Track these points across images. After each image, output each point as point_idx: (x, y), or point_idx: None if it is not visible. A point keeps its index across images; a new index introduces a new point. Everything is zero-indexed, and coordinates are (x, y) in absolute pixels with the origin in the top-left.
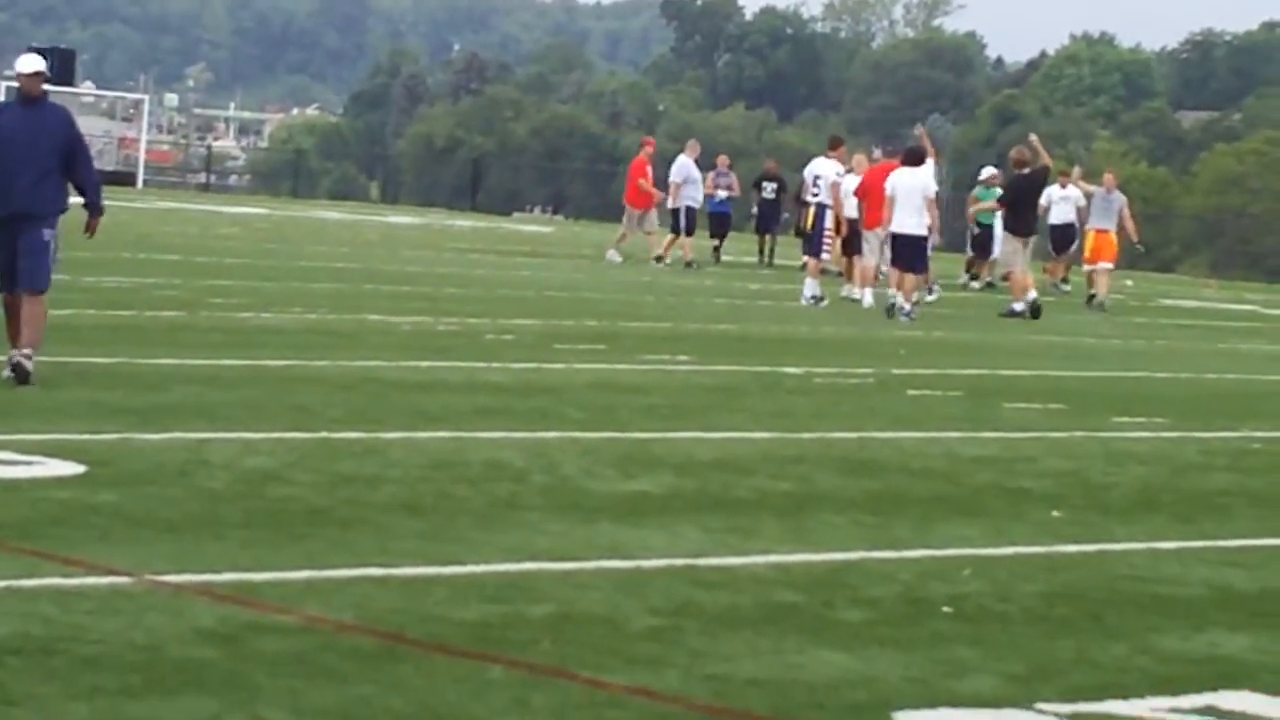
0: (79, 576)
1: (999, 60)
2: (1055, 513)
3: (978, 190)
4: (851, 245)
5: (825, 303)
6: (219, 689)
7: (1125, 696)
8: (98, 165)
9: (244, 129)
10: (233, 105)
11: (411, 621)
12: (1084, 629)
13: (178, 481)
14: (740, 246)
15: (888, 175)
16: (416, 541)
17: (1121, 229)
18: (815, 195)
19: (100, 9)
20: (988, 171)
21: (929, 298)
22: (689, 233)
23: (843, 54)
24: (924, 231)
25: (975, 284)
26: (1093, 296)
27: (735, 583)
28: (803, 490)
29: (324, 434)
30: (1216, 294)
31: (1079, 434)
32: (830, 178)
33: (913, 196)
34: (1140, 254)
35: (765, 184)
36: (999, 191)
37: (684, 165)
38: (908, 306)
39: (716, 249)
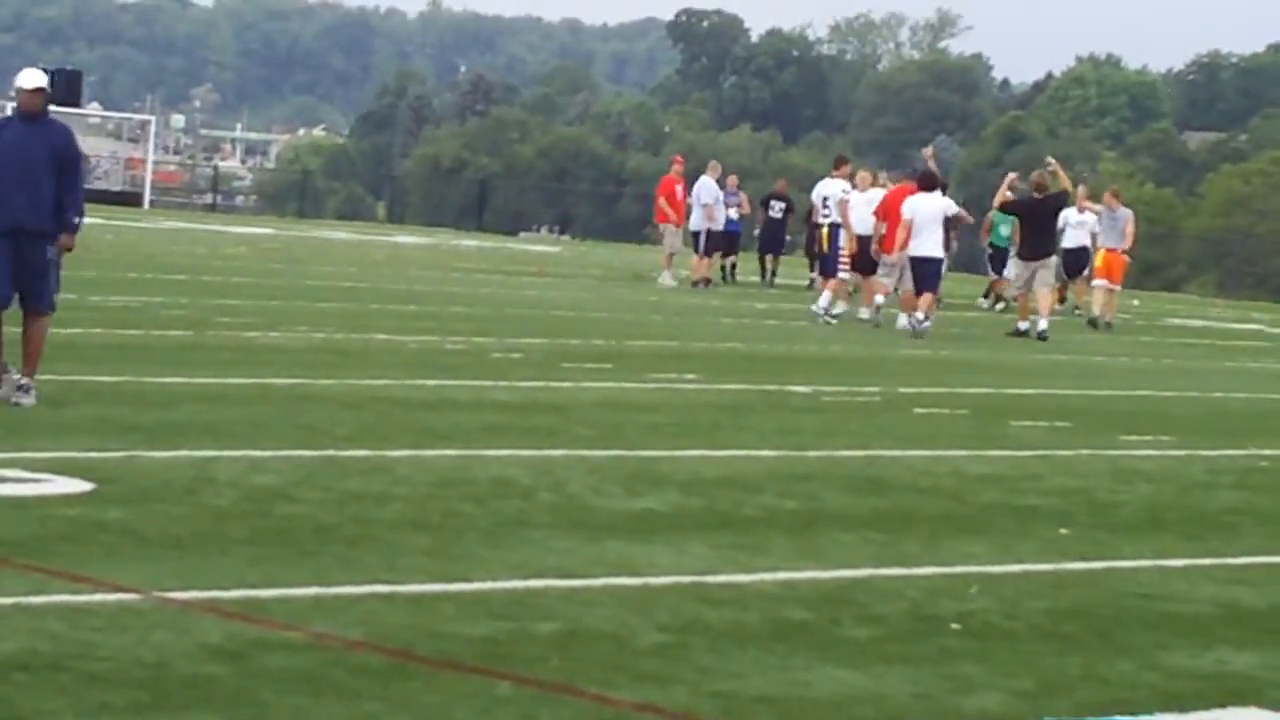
0: (87, 593)
1: (1005, 82)
2: (1063, 530)
3: (994, 214)
4: (861, 263)
5: (835, 321)
6: (226, 706)
7: (1133, 713)
8: (104, 186)
9: (250, 150)
10: (239, 126)
11: (420, 638)
12: (1092, 646)
13: (185, 499)
14: (749, 266)
15: (904, 198)
16: (424, 559)
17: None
18: (827, 216)
19: (107, 30)
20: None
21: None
22: (707, 254)
23: (849, 76)
24: (941, 254)
25: (998, 305)
26: (1096, 319)
27: (743, 600)
28: (810, 508)
29: (331, 452)
30: (1223, 313)
31: (1086, 452)
32: (837, 195)
33: (930, 220)
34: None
35: (774, 203)
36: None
37: (709, 187)
38: (920, 316)
39: (733, 267)
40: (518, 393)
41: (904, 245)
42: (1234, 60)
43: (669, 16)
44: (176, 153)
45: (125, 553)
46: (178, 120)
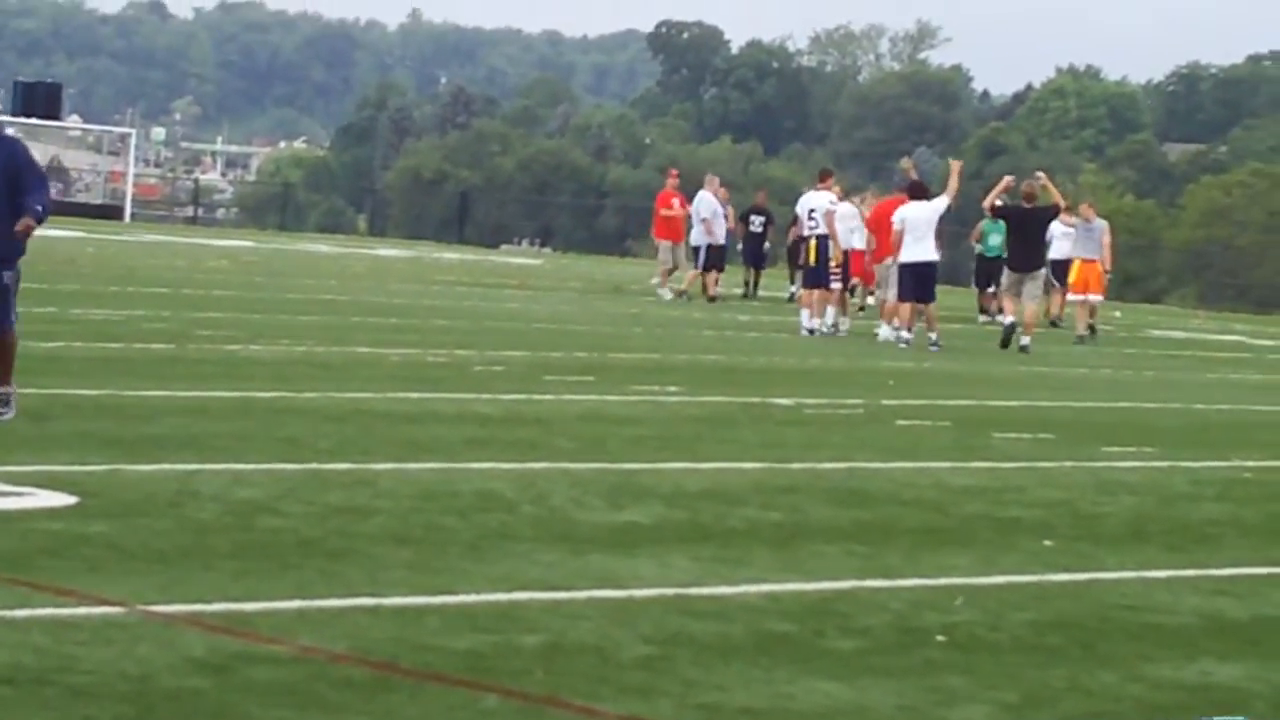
0: (71, 607)
1: (985, 93)
2: (1046, 542)
3: (985, 223)
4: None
5: (840, 332)
6: (211, 719)
7: None
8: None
9: (231, 162)
10: (220, 139)
11: (404, 651)
12: (1076, 657)
13: (168, 513)
14: (732, 279)
15: (893, 210)
16: (407, 572)
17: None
18: (814, 228)
19: (87, 43)
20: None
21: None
22: (706, 269)
23: (829, 87)
24: (937, 257)
25: (983, 318)
26: (1083, 335)
27: (727, 612)
28: (794, 520)
29: (314, 465)
30: (1205, 325)
31: (1069, 464)
32: (824, 207)
33: (920, 227)
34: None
35: (753, 217)
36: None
37: (708, 201)
38: (932, 335)
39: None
40: (500, 405)
41: (895, 252)
42: (1213, 71)
43: (649, 28)
44: (157, 165)
45: (109, 566)
46: (158, 133)
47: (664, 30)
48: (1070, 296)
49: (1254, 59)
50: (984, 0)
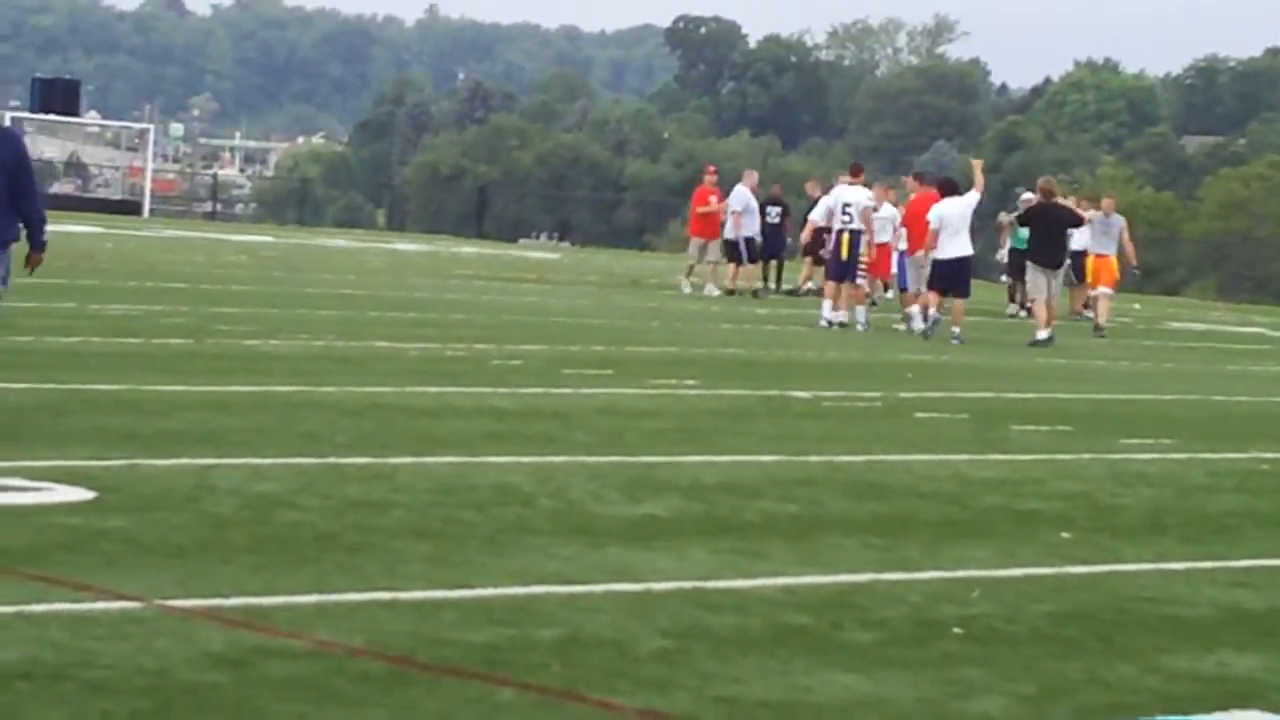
0: (88, 602)
1: (1003, 87)
2: (1064, 534)
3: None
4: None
5: (867, 328)
6: (228, 714)
7: (1135, 716)
8: (104, 194)
9: (249, 158)
10: (238, 134)
11: (421, 645)
12: (1093, 649)
13: (186, 507)
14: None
15: (928, 206)
16: (425, 566)
17: (1121, 252)
18: (847, 222)
19: (105, 39)
20: (1026, 197)
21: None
22: (752, 261)
23: (847, 81)
24: (971, 252)
25: (1023, 312)
26: (1097, 326)
27: (744, 605)
28: (811, 513)
29: (332, 459)
30: (1224, 316)
31: (1087, 456)
32: (862, 204)
33: (955, 222)
34: (1137, 277)
35: (770, 209)
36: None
37: (743, 195)
38: (956, 329)
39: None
40: (518, 399)
41: (931, 247)
42: (1232, 64)
43: (667, 23)
44: (175, 161)
45: (126, 561)
46: (176, 129)
47: (682, 25)
48: (1101, 290)
49: (1272, 51)
50: None
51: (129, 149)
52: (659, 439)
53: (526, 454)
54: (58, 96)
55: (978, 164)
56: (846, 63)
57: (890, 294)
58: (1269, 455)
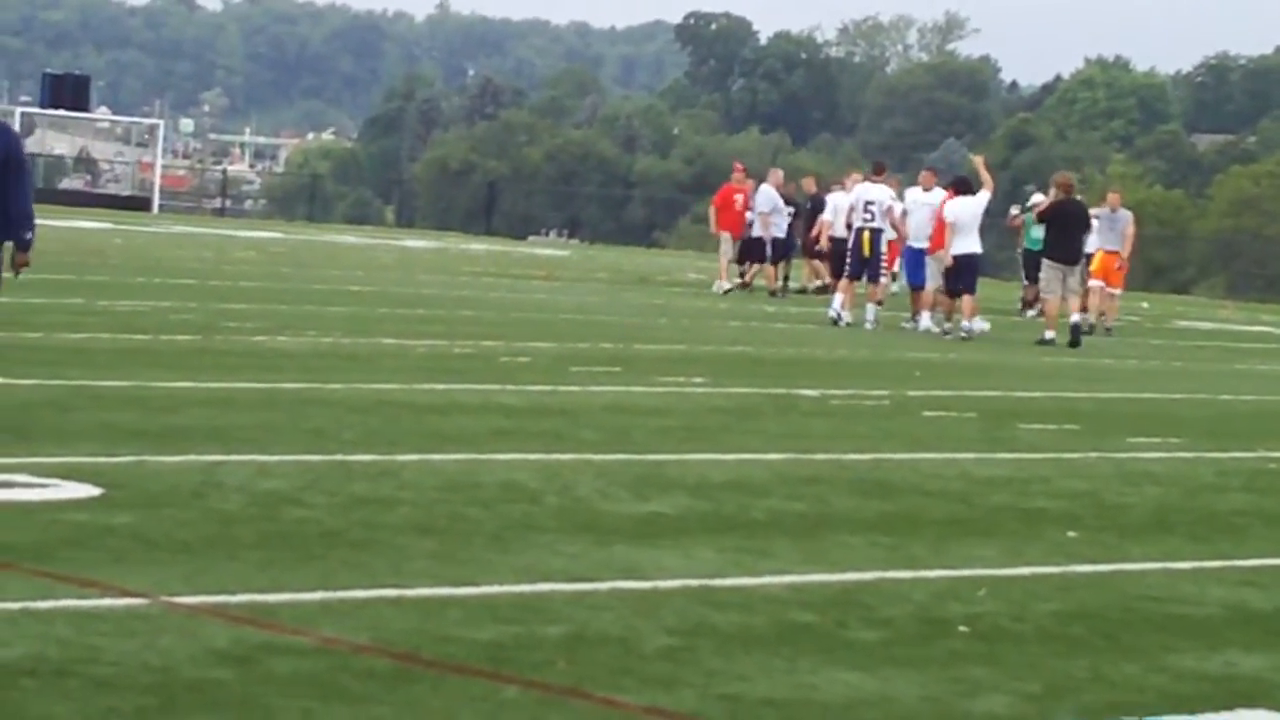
0: (94, 598)
1: (1014, 84)
2: (1070, 533)
3: (1026, 215)
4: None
5: (877, 326)
6: (233, 710)
7: (1141, 715)
8: (114, 190)
9: (259, 154)
10: (248, 130)
11: (426, 642)
12: (1099, 648)
13: (193, 504)
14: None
15: (942, 204)
16: (431, 563)
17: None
18: (869, 220)
19: (115, 35)
20: (1037, 198)
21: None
22: (775, 261)
23: (857, 78)
24: (981, 249)
25: (1030, 313)
26: (1091, 325)
27: (750, 603)
28: (818, 511)
29: (339, 456)
30: (1232, 315)
31: (1094, 455)
32: (885, 203)
33: (972, 220)
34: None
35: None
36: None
37: (770, 195)
38: (974, 325)
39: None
40: (525, 396)
41: (946, 246)
42: (1242, 62)
43: (677, 19)
44: (185, 157)
45: (133, 558)
46: (186, 125)
47: (692, 21)
48: (1090, 283)
49: None
50: None
51: (139, 145)
52: (666, 437)
53: (533, 451)
54: (68, 92)
55: (979, 160)
56: (857, 59)
57: (896, 287)
58: (1276, 454)
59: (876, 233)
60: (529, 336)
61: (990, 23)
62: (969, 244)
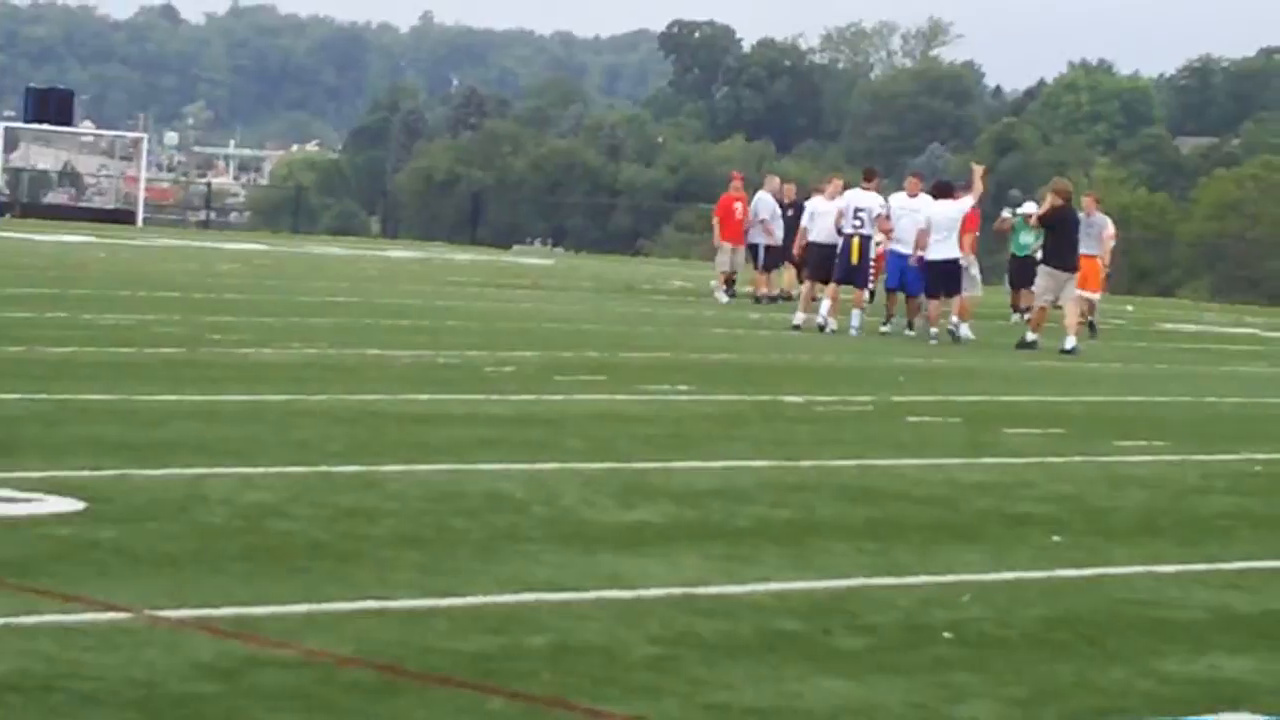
0: (78, 613)
1: (997, 89)
2: (1056, 537)
3: (1016, 220)
4: (820, 272)
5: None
6: None
7: (1126, 719)
8: (99, 203)
9: (244, 166)
10: (232, 143)
11: (411, 654)
12: (1085, 653)
13: (177, 517)
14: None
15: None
16: (416, 574)
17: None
18: (858, 226)
19: (99, 49)
20: (1029, 206)
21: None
22: (766, 269)
23: (841, 85)
24: (958, 254)
25: (1016, 317)
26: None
27: (735, 611)
28: (803, 518)
29: (323, 468)
30: (1217, 318)
31: (1079, 459)
32: (875, 210)
33: (947, 224)
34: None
35: None
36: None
37: (768, 202)
38: (962, 327)
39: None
40: (510, 406)
41: (921, 248)
42: (1225, 65)
43: (661, 28)
44: (170, 170)
45: (117, 571)
46: (171, 137)
47: (676, 30)
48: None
49: (1266, 52)
50: None
51: (123, 158)
52: (651, 445)
53: (519, 461)
54: (51, 106)
55: (979, 170)
56: (841, 66)
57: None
58: (1262, 456)
59: (866, 240)
60: (514, 346)
61: (973, 28)
62: (947, 249)
